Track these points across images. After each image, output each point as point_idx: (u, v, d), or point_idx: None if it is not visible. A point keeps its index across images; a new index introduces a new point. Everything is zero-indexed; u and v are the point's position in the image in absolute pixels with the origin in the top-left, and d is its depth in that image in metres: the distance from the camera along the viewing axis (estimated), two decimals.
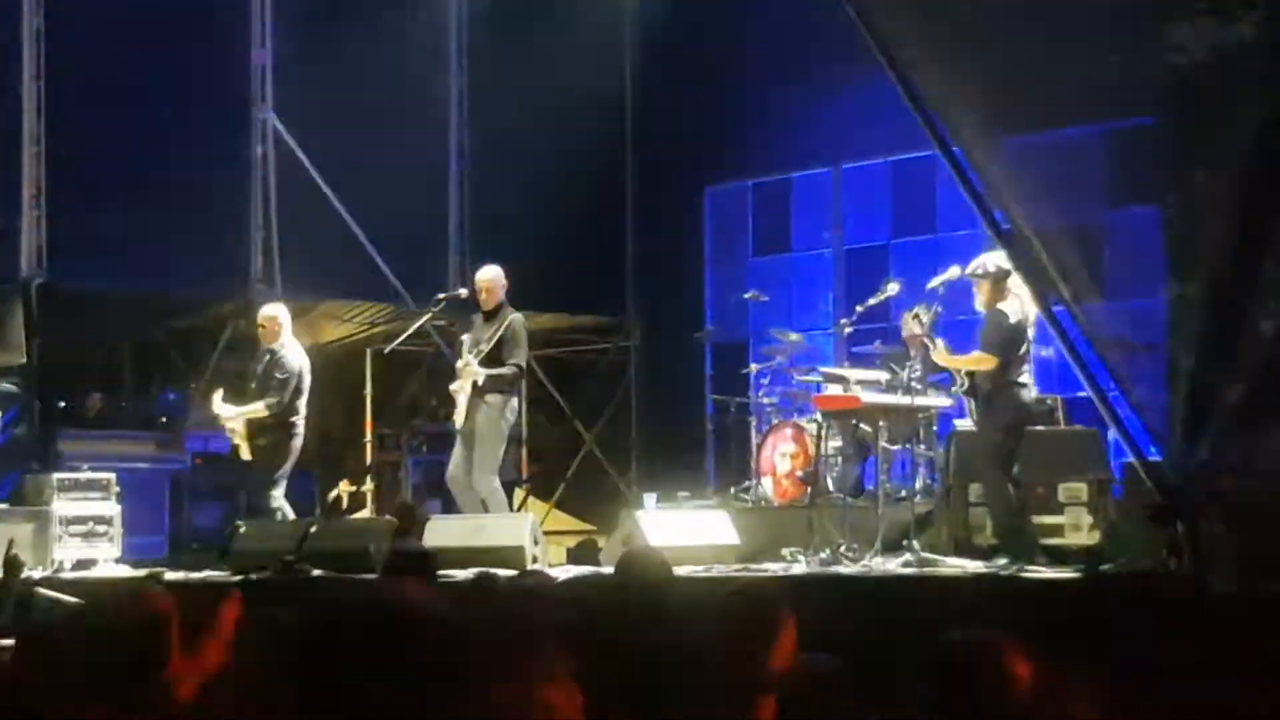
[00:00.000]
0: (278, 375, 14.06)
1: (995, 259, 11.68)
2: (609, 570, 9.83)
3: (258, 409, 14.02)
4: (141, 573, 13.80)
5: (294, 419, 14.17)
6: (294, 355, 14.28)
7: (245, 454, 14.09)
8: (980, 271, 11.92)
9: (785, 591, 5.29)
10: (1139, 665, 7.45)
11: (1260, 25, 8.22)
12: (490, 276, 13.71)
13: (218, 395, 14.27)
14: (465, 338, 13.68)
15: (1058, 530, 12.10)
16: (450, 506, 14.40)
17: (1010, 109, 9.60)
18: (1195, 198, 8.61)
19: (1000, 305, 11.84)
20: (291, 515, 14.10)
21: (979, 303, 12.04)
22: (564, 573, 11.61)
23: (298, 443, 14.19)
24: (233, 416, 14.06)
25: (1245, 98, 8.36)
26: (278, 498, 14.09)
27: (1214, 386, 8.72)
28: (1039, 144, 10.00)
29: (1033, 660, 4.46)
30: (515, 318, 13.49)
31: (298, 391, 14.21)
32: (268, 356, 14.26)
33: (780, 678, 4.93)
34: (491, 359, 13.28)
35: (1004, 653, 4.43)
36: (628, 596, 5.72)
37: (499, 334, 13.33)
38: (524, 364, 13.54)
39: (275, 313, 14.48)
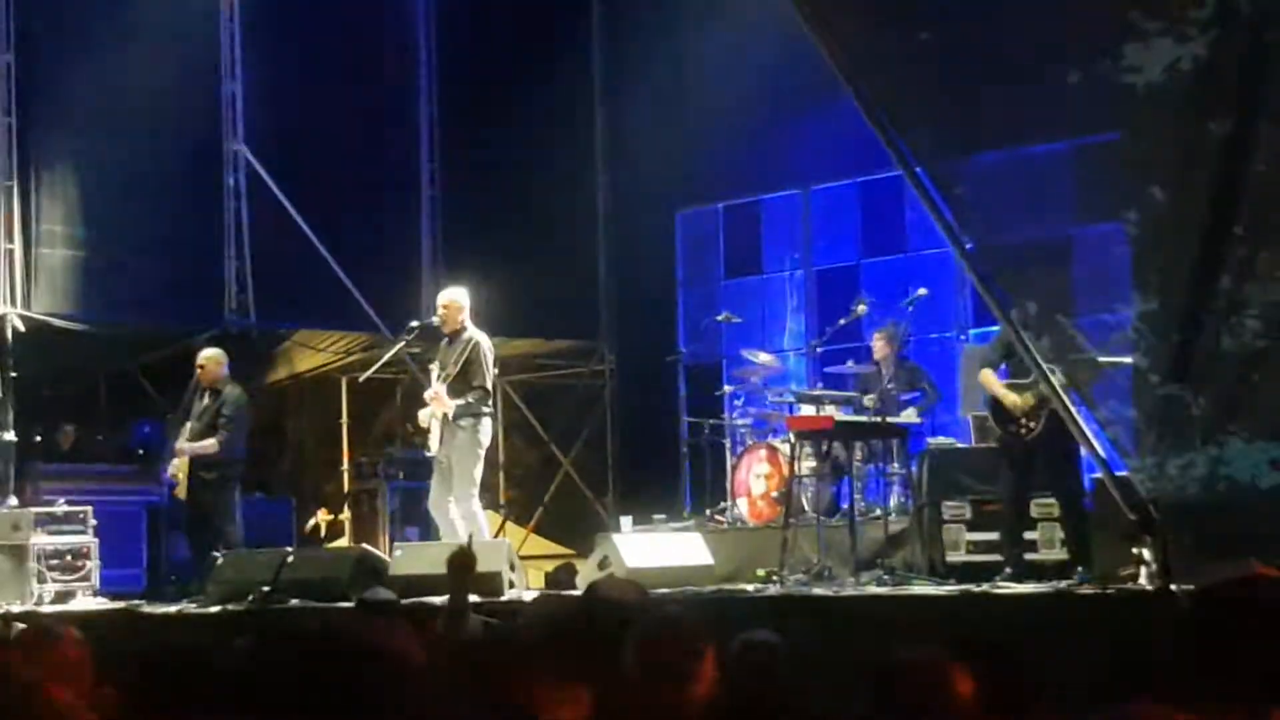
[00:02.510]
0: (225, 414, 14.39)
1: None
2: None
3: (210, 445, 14.26)
4: (119, 605, 13.86)
5: (240, 455, 14.68)
6: (238, 395, 14.66)
7: (182, 491, 14.32)
8: None
9: (702, 621, 5.21)
10: (1111, 680, 7.52)
11: (1214, 45, 8.31)
12: (449, 298, 13.59)
13: (185, 431, 14.39)
14: (434, 366, 13.65)
15: (1030, 546, 12.12)
16: (429, 534, 14.43)
17: (973, 127, 9.68)
18: (1155, 214, 8.70)
19: None
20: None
21: None
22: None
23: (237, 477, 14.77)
24: (188, 451, 14.23)
25: (1200, 116, 8.45)
26: (232, 529, 14.45)
27: (1179, 401, 8.80)
28: (1003, 161, 10.05)
29: (979, 679, 4.47)
30: (479, 339, 13.38)
31: (244, 429, 14.68)
32: (208, 396, 14.58)
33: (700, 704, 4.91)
34: (458, 383, 13.21)
35: (946, 672, 4.44)
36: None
37: (463, 357, 13.25)
38: (490, 385, 13.49)
39: (216, 354, 14.81)
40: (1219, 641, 3.73)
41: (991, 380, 11.82)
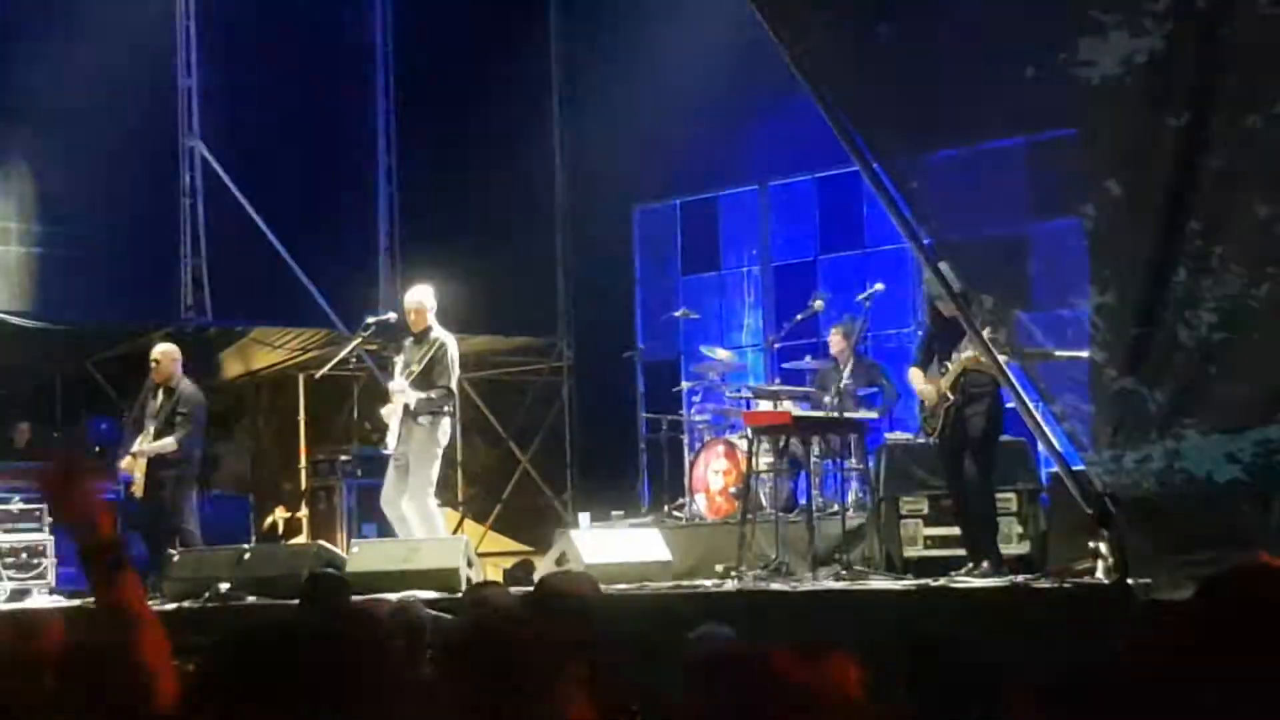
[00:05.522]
0: (182, 411, 14.25)
1: None
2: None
3: (168, 444, 14.17)
4: (75, 603, 13.79)
5: (196, 453, 14.59)
6: (193, 391, 14.50)
7: (139, 489, 14.22)
8: None
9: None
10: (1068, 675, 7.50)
11: (1170, 39, 8.32)
12: (418, 298, 13.62)
13: (145, 433, 14.31)
14: (398, 360, 13.65)
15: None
16: (386, 531, 14.41)
17: (931, 124, 9.69)
18: (1111, 209, 8.71)
19: None
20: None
21: None
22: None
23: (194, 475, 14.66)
24: (145, 452, 14.14)
25: (1156, 110, 8.46)
26: (189, 527, 14.43)
27: (1135, 395, 8.81)
28: (960, 157, 10.07)
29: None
30: (445, 339, 13.42)
31: (200, 426, 14.52)
32: (163, 394, 14.44)
33: None
34: (422, 381, 13.23)
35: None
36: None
37: (429, 355, 13.27)
38: (454, 386, 13.50)
39: (170, 349, 14.64)
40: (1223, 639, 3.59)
41: (914, 377, 11.80)
